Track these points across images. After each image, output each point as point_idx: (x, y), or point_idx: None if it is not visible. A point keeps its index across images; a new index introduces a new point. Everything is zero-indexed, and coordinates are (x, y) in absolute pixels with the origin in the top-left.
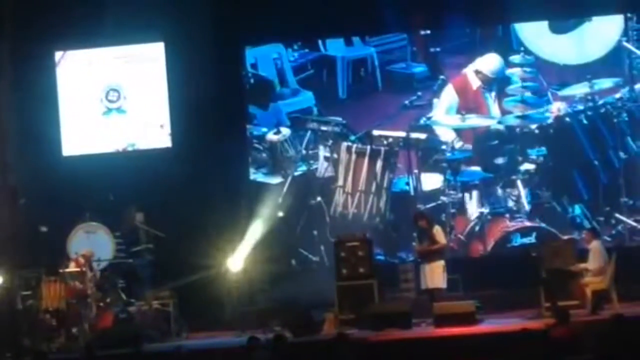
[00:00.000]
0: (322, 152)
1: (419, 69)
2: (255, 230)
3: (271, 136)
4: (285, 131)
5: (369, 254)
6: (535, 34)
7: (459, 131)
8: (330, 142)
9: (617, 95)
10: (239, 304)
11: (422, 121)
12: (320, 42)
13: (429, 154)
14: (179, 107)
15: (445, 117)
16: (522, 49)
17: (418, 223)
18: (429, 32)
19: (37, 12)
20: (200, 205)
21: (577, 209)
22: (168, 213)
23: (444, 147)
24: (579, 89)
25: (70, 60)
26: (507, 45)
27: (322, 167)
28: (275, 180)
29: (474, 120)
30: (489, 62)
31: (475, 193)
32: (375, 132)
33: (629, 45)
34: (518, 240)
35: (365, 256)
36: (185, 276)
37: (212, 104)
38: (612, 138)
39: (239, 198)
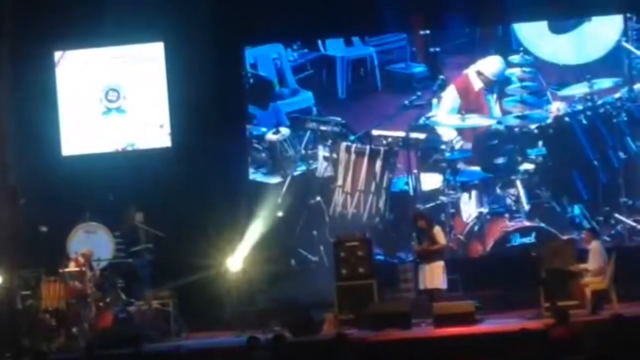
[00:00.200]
0: (322, 152)
1: (419, 69)
2: (255, 230)
3: (270, 136)
4: (285, 131)
5: (368, 254)
6: (534, 34)
7: (459, 131)
8: (330, 142)
9: (617, 95)
10: (238, 304)
11: (421, 121)
12: (319, 42)
13: (428, 153)
14: (179, 107)
15: (445, 117)
16: (521, 49)
17: (417, 223)
18: (428, 32)
19: (36, 12)
20: (200, 205)
21: (577, 209)
22: (168, 213)
23: (443, 147)
24: (579, 89)
25: (70, 60)
26: (507, 45)
27: (321, 167)
28: (275, 180)
29: (473, 120)
30: (490, 65)
31: (474, 193)
32: (375, 132)
33: (628, 46)
34: (517, 240)
35: (365, 256)
36: (185, 276)
37: (212, 103)
38: (612, 138)
39: (238, 198)
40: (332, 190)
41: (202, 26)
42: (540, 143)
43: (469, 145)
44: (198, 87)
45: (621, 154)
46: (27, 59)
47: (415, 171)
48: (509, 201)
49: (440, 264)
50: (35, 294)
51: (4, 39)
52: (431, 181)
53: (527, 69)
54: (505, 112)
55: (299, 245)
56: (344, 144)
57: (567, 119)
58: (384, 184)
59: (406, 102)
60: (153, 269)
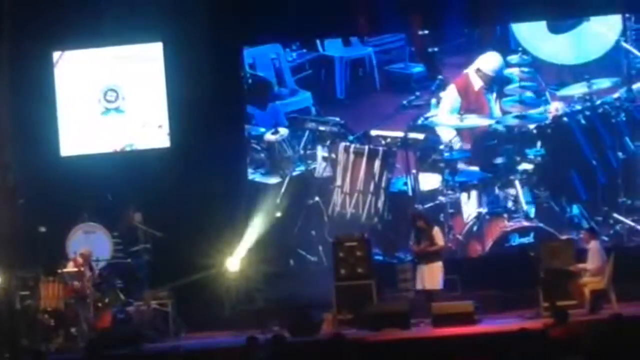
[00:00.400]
0: (320, 152)
1: (417, 69)
2: (254, 230)
3: (269, 136)
4: (283, 131)
5: (367, 254)
6: (533, 34)
7: (458, 131)
8: (329, 142)
9: (615, 95)
10: (237, 304)
11: (420, 121)
12: (318, 42)
13: (427, 154)
14: (177, 107)
15: (444, 117)
16: (520, 49)
17: (416, 223)
18: (427, 32)
19: (35, 12)
20: (199, 205)
21: (575, 209)
22: (166, 213)
23: (442, 147)
24: (577, 89)
25: (69, 61)
26: (505, 45)
27: (320, 167)
28: (273, 180)
29: (472, 120)
30: (489, 61)
31: (473, 193)
32: (374, 132)
33: (627, 45)
34: (516, 240)
35: (364, 256)
36: (183, 276)
37: (210, 104)
38: (610, 138)
39: (237, 198)
40: (331, 190)
41: (200, 26)
42: (539, 143)
43: (467, 146)
44: (197, 87)
45: (620, 154)
46: (26, 59)
47: (414, 171)
48: (507, 201)
49: (439, 265)
50: (34, 294)
51: (2, 39)
52: (430, 181)
53: (526, 69)
54: (504, 112)
55: (297, 245)
56: (342, 144)
57: (565, 119)
58: (383, 184)
59: (405, 102)
60: (152, 269)
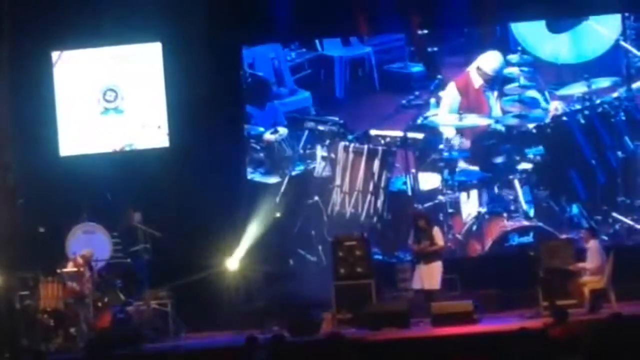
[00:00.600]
0: (320, 151)
1: (417, 68)
2: (253, 229)
3: (268, 136)
4: (283, 131)
5: (366, 254)
6: (532, 34)
7: (457, 130)
8: (328, 141)
9: (615, 95)
10: (237, 304)
11: (419, 121)
12: (317, 42)
13: (426, 153)
14: (177, 107)
15: (444, 116)
16: (519, 48)
17: (417, 222)
18: (426, 31)
19: (34, 12)
20: (198, 205)
21: (575, 208)
22: (166, 213)
23: (441, 146)
24: (577, 89)
25: (67, 61)
26: (505, 45)
27: (319, 167)
28: (273, 180)
29: (471, 120)
30: (489, 60)
31: (473, 193)
32: (373, 132)
33: (626, 45)
34: (516, 240)
35: (363, 256)
36: (183, 276)
37: (210, 103)
38: (610, 137)
39: (236, 198)
40: (330, 190)
41: (199, 26)
42: (538, 142)
43: (467, 145)
44: (196, 87)
45: (619, 154)
46: (25, 60)
47: (413, 171)
48: (507, 201)
49: (438, 265)
50: (33, 294)
51: (2, 39)
52: (429, 181)
53: (525, 69)
54: (503, 112)
55: (297, 245)
56: (342, 144)
57: (565, 118)
58: (382, 184)
59: (404, 101)
60: (151, 269)
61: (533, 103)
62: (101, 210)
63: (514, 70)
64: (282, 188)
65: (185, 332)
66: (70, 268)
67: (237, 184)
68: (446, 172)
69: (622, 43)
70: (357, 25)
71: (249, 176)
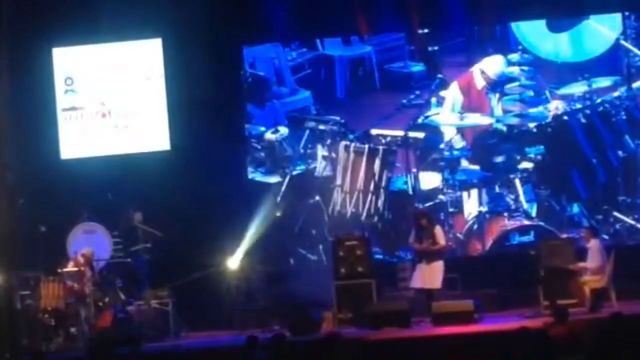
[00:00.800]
0: (320, 151)
1: (417, 67)
2: (254, 229)
3: (269, 135)
4: (283, 130)
5: (367, 253)
6: (533, 33)
7: (458, 129)
8: (329, 141)
9: (615, 94)
10: (237, 303)
11: (420, 120)
12: (318, 41)
13: (427, 152)
14: (177, 106)
15: (445, 115)
16: (520, 47)
17: (419, 221)
18: (426, 31)
19: (33, 9)
20: (199, 204)
21: (576, 208)
22: (166, 212)
23: (442, 146)
24: (577, 88)
25: (67, 60)
26: (505, 44)
27: (320, 166)
28: (274, 179)
29: (472, 119)
30: (492, 64)
31: (473, 192)
32: (374, 131)
33: (626, 44)
34: (516, 239)
35: (364, 255)
36: (183, 275)
37: (210, 103)
38: (610, 136)
39: (237, 197)
40: (331, 189)
41: (200, 26)
42: (539, 142)
43: (468, 144)
44: (196, 86)
45: (620, 153)
46: (25, 59)
47: (414, 170)
48: (508, 200)
49: (440, 264)
50: (34, 294)
51: (2, 39)
52: (430, 180)
53: (526, 68)
54: (504, 111)
55: (298, 244)
56: (342, 143)
57: (565, 117)
58: (383, 183)
59: (405, 101)
60: (152, 268)
61: (534, 102)
62: (102, 210)
63: (514, 70)
64: (283, 188)
65: (185, 331)
66: (70, 267)
67: (238, 183)
68: (447, 171)
69: (623, 42)
70: (358, 24)
71: (250, 176)
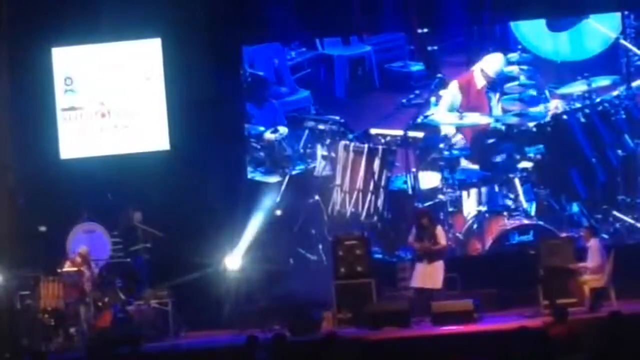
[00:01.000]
0: (320, 150)
1: (417, 67)
2: (253, 229)
3: (269, 135)
4: (283, 130)
5: (366, 253)
6: (532, 32)
7: (457, 129)
8: (328, 140)
9: (615, 93)
10: (237, 303)
11: (419, 119)
12: (317, 41)
13: (426, 152)
14: (176, 106)
15: (444, 114)
16: (519, 47)
17: (420, 220)
18: (426, 30)
19: (33, 10)
20: (198, 204)
21: (575, 207)
22: (166, 212)
23: (442, 145)
24: (577, 87)
25: (66, 60)
26: (505, 44)
27: (319, 166)
28: (273, 179)
29: (471, 119)
30: (492, 62)
31: (473, 191)
32: (373, 131)
33: (626, 43)
34: (516, 239)
35: (363, 255)
36: (183, 275)
37: (210, 103)
38: (610, 136)
39: (236, 197)
40: (331, 189)
41: (200, 25)
42: (538, 141)
43: (467, 144)
44: (196, 86)
45: (619, 152)
46: (25, 59)
47: (413, 170)
48: (507, 199)
49: (440, 264)
50: (34, 294)
51: (2, 39)
52: (430, 180)
53: (525, 67)
54: (503, 111)
55: (297, 244)
56: (342, 143)
57: (565, 117)
58: (383, 183)
59: (404, 100)
60: (151, 268)
61: (533, 101)
62: (101, 210)
63: (513, 69)
64: (283, 187)
65: (185, 331)
66: (68, 267)
67: (238, 183)
68: (446, 171)
69: (622, 41)
70: (357, 24)
71: (249, 175)
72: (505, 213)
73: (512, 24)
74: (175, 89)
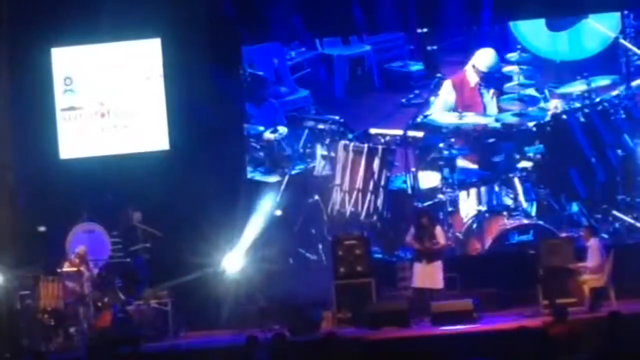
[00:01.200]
0: (320, 150)
1: (416, 67)
2: (253, 228)
3: (268, 135)
4: (283, 130)
5: (366, 252)
6: (532, 32)
7: (457, 129)
8: (328, 140)
9: (614, 93)
10: (237, 303)
11: (419, 119)
12: (317, 41)
13: (426, 152)
14: (176, 106)
15: (442, 114)
16: (519, 46)
17: (420, 220)
18: (426, 30)
19: (32, 10)
20: (198, 204)
21: (575, 207)
22: (165, 212)
23: (441, 145)
24: (576, 87)
25: (66, 60)
26: (504, 43)
27: (319, 166)
28: (273, 178)
29: (471, 118)
30: (483, 57)
31: (472, 191)
32: (373, 131)
33: (625, 43)
34: (516, 238)
35: (363, 254)
36: (183, 275)
37: (209, 102)
38: (610, 136)
39: (236, 197)
40: (330, 189)
41: (199, 25)
42: (538, 141)
43: (466, 143)
44: (196, 86)
45: (619, 152)
46: (24, 59)
47: (413, 169)
48: (507, 199)
49: (439, 264)
50: (33, 294)
51: (2, 39)
52: (429, 179)
53: (525, 67)
54: (502, 110)
55: (297, 244)
56: (341, 143)
57: (564, 116)
58: (382, 183)
59: (404, 100)
60: (151, 268)
61: (532, 101)
62: (101, 210)
63: (513, 69)
64: (282, 187)
65: (185, 331)
66: (67, 267)
67: (237, 183)
68: (446, 170)
69: (622, 41)
70: (357, 24)
71: (249, 175)
72: (504, 213)
73: (511, 23)
74: (175, 89)
